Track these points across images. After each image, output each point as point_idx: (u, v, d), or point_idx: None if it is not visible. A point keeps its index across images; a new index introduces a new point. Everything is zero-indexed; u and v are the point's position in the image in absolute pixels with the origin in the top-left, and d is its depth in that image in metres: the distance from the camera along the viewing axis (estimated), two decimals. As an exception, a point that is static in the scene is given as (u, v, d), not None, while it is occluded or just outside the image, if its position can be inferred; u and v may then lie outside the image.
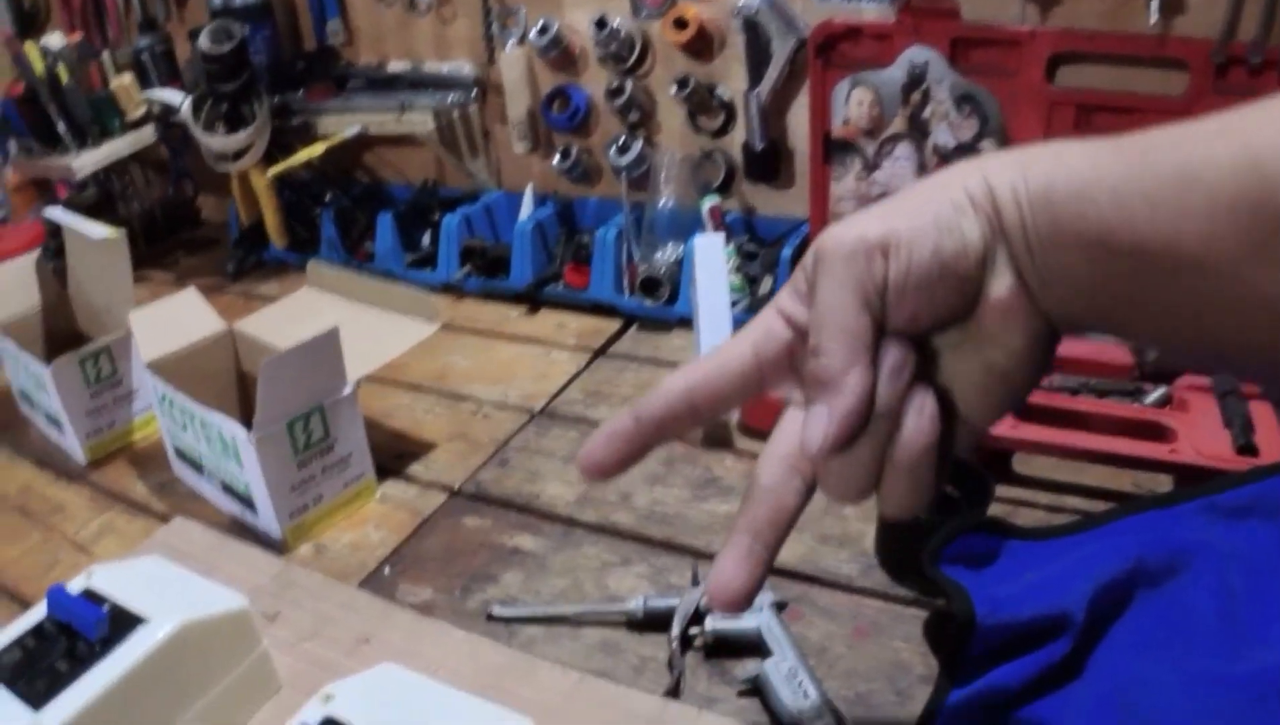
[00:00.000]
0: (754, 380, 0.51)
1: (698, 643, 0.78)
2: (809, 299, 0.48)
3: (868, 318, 0.45)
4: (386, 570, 0.92)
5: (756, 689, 0.73)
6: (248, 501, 0.95)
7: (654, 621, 0.80)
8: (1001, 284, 0.45)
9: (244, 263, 1.68)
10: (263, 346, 1.04)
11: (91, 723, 0.62)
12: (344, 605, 0.83)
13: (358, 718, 0.59)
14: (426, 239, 1.56)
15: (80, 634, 0.66)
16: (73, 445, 1.17)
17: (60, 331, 1.29)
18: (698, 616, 0.78)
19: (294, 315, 1.08)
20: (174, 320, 1.08)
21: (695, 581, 0.83)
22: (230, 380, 1.10)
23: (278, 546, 0.96)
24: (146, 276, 1.72)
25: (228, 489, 0.99)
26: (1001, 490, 0.84)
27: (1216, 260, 0.39)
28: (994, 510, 0.76)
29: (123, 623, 0.67)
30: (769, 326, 0.51)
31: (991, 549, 0.70)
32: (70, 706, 0.62)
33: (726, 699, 0.73)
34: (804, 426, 0.45)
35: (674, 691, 0.74)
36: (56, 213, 1.28)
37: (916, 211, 0.46)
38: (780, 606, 0.79)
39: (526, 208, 1.49)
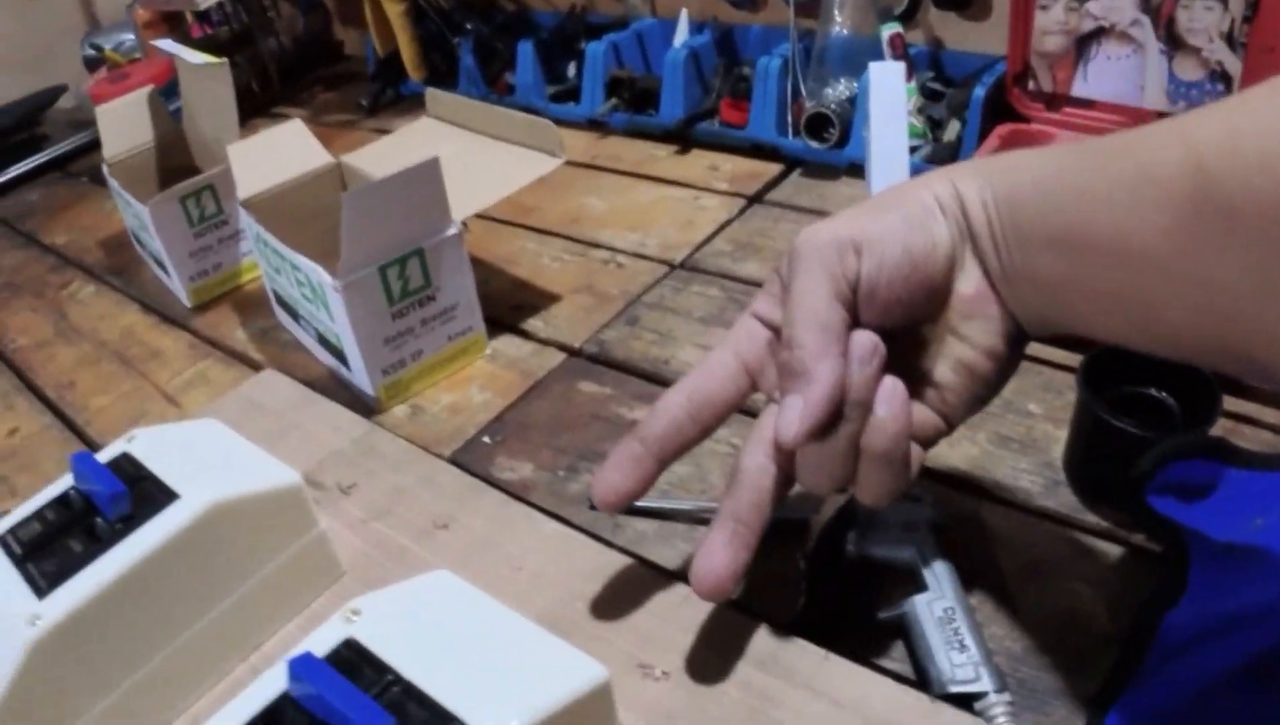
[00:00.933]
0: (743, 383, 0.54)
1: (831, 563, 0.64)
2: (784, 300, 0.50)
3: (839, 310, 0.48)
4: (486, 439, 0.81)
5: (900, 627, 0.59)
6: (341, 355, 0.86)
7: (787, 530, 0.66)
8: (970, 282, 0.49)
9: (379, 98, 1.59)
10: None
11: (101, 615, 0.54)
12: (426, 480, 0.73)
13: (383, 644, 0.48)
14: (571, 70, 1.43)
15: (100, 511, 0.57)
16: (177, 287, 1.11)
17: (178, 169, 1.22)
18: (839, 531, 0.64)
19: (409, 148, 0.97)
20: (276, 153, 0.98)
21: (841, 488, 0.69)
22: (337, 221, 1.00)
23: (371, 405, 0.86)
24: (283, 114, 1.65)
25: (322, 340, 0.89)
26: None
27: (1170, 254, 0.40)
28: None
29: (150, 499, 0.58)
30: (748, 330, 0.55)
31: (1210, 478, 0.57)
32: (76, 596, 0.53)
33: (858, 637, 0.60)
34: (778, 417, 0.48)
35: (801, 619, 0.60)
36: (165, 44, 1.20)
37: (887, 213, 0.49)
38: (940, 530, 0.64)
39: (681, 34, 1.34)
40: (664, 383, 0.85)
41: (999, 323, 0.50)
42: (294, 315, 0.95)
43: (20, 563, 0.55)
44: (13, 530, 0.58)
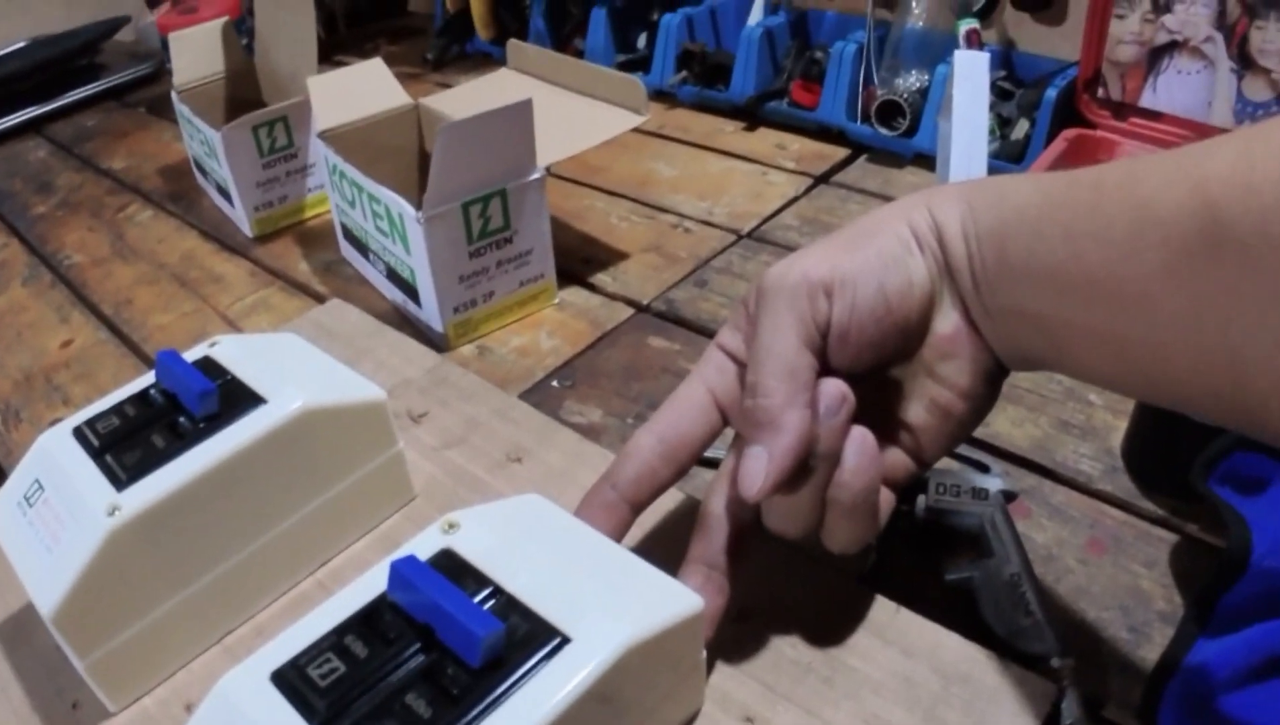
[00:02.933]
0: (715, 419, 0.52)
1: (904, 521, 0.64)
2: (750, 335, 0.48)
3: (808, 357, 0.45)
4: (555, 383, 0.81)
5: (966, 591, 0.59)
6: (412, 290, 0.85)
7: None
8: (947, 321, 0.47)
9: (445, 52, 1.57)
10: (449, 123, 0.93)
11: (180, 511, 0.53)
12: (500, 414, 0.72)
13: (481, 557, 0.47)
14: (642, 41, 1.41)
15: (185, 408, 0.56)
16: (240, 218, 1.10)
17: (244, 102, 1.21)
18: (910, 494, 0.63)
19: (488, 96, 0.96)
20: (356, 90, 0.97)
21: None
22: (410, 161, 0.99)
23: (439, 343, 0.86)
24: (343, 61, 1.62)
25: (393, 275, 0.88)
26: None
27: (1174, 296, 0.38)
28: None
29: (237, 400, 0.57)
30: (717, 363, 0.52)
31: (1267, 474, 0.56)
32: (157, 489, 0.52)
33: (926, 597, 0.60)
34: (739, 468, 0.45)
35: (869, 573, 0.61)
36: (245, -27, 1.19)
37: (861, 249, 0.47)
38: (1009, 497, 0.64)
39: (756, 14, 1.33)
40: (733, 345, 0.85)
41: (977, 361, 0.48)
42: (363, 250, 0.94)
43: (98, 454, 0.55)
44: (90, 423, 0.57)
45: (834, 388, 0.44)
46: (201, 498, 0.53)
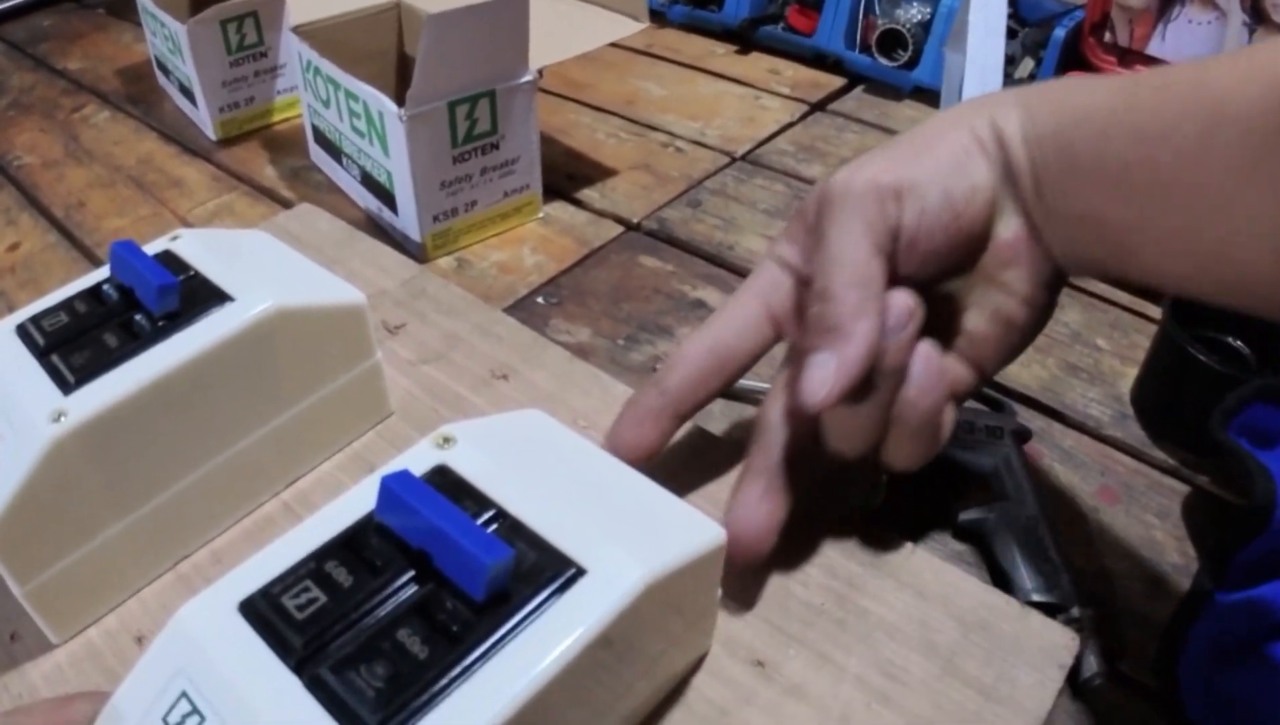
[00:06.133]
0: (768, 332, 0.50)
1: None
2: (809, 246, 0.47)
3: (880, 264, 0.44)
4: (540, 300, 0.76)
5: (979, 534, 0.57)
6: (388, 196, 0.79)
7: None
8: (1009, 228, 0.46)
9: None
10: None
11: (134, 419, 0.47)
12: (483, 329, 0.66)
13: (480, 477, 0.41)
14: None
15: (143, 305, 0.50)
16: (204, 120, 1.04)
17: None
18: None
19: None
20: (333, -17, 0.91)
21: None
22: (389, 64, 0.93)
23: (415, 254, 0.80)
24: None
25: (368, 180, 0.83)
26: None
27: (1247, 193, 0.37)
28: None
29: (200, 298, 0.51)
30: (771, 276, 0.50)
31: None
32: (109, 394, 0.46)
33: (939, 538, 0.58)
34: (804, 375, 0.42)
35: (877, 517, 0.58)
36: None
37: (926, 155, 0.45)
38: (1023, 437, 0.62)
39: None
40: (728, 267, 0.81)
41: (1038, 268, 0.46)
42: (336, 154, 0.88)
43: (42, 355, 0.48)
44: (35, 320, 0.51)
45: (903, 300, 0.43)
46: (158, 405, 0.47)
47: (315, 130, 0.92)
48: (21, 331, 0.50)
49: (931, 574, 0.50)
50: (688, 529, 0.41)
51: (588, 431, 0.57)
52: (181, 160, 1.03)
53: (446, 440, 0.43)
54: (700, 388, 0.50)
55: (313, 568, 0.37)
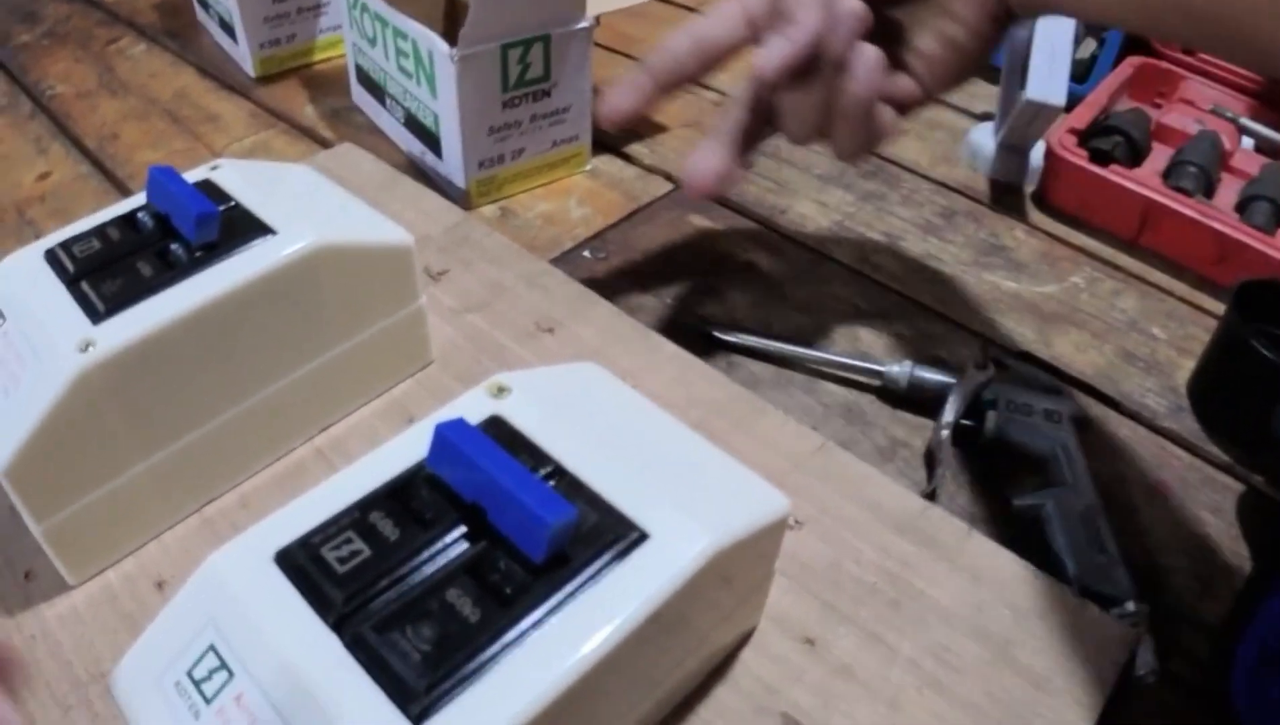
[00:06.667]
0: (744, 33, 0.53)
1: (965, 438, 0.60)
2: None
3: None
4: (587, 254, 0.73)
5: (1034, 521, 0.54)
6: (433, 139, 0.77)
7: (917, 398, 0.62)
8: None
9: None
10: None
11: (165, 352, 0.45)
12: (529, 280, 0.64)
13: (536, 430, 0.39)
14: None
15: (180, 234, 0.48)
16: (243, 55, 1.00)
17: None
18: (980, 409, 0.60)
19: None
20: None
21: (982, 364, 0.63)
22: (438, 4, 0.90)
23: (458, 201, 0.77)
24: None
25: (412, 122, 0.80)
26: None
27: None
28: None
29: (240, 230, 0.48)
30: None
31: None
32: (140, 324, 0.44)
33: (991, 521, 0.56)
34: (757, 52, 0.50)
35: (931, 494, 0.56)
36: None
37: None
38: (1081, 425, 0.60)
39: None
40: (780, 231, 0.78)
41: (984, 1, 0.52)
42: (379, 94, 0.85)
43: (72, 282, 0.46)
44: (65, 245, 0.48)
45: (849, 2, 0.49)
46: (191, 339, 0.45)
47: (359, 69, 0.89)
48: (51, 257, 0.48)
49: (987, 558, 0.49)
50: (752, 496, 0.39)
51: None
52: (218, 95, 1.00)
53: (501, 389, 0.40)
54: (679, 68, 0.54)
55: (356, 518, 0.35)
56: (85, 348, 0.42)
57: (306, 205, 0.51)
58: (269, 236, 0.48)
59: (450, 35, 0.69)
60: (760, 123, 0.56)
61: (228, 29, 1.02)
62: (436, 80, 0.72)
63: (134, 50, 1.12)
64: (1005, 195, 0.84)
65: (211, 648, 0.32)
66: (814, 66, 0.50)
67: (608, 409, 0.42)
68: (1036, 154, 0.84)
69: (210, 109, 0.97)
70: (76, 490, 0.45)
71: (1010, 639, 0.45)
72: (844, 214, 0.80)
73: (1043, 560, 0.51)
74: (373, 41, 0.81)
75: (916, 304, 0.71)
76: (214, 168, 0.53)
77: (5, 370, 0.44)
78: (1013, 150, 0.84)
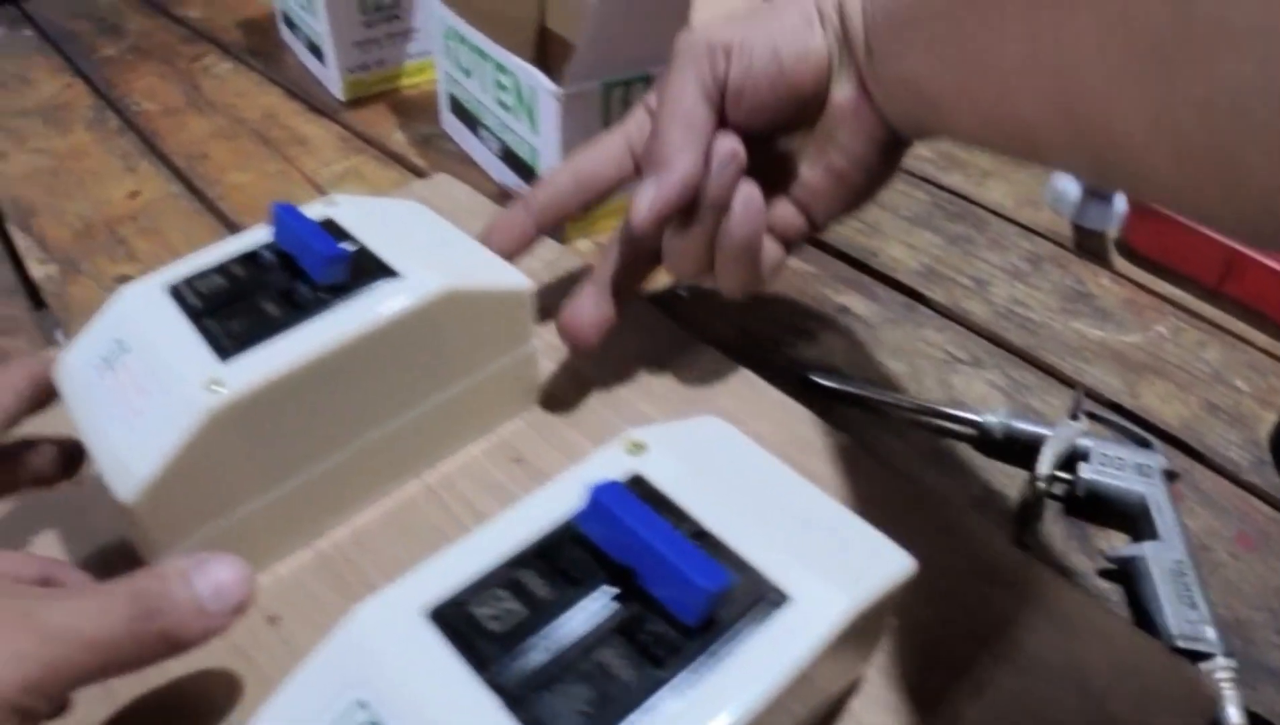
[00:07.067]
0: (627, 165, 0.56)
1: (1057, 490, 0.60)
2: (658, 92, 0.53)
3: (704, 109, 0.50)
4: (682, 292, 0.73)
5: (1125, 574, 0.55)
6: (530, 173, 0.77)
7: (1011, 447, 0.62)
8: (844, 90, 0.51)
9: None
10: (582, -3, 0.84)
11: (292, 392, 0.45)
12: (630, 319, 0.63)
13: (672, 485, 0.39)
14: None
15: (307, 274, 0.48)
16: (331, 78, 1.02)
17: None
18: (1072, 459, 0.60)
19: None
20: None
21: (1074, 415, 0.63)
22: (529, 36, 0.90)
23: (553, 235, 0.76)
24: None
25: (508, 154, 0.80)
26: None
27: (1018, 40, 0.39)
28: None
29: (365, 272, 0.49)
30: (638, 118, 0.57)
31: None
32: (270, 364, 0.44)
33: (1083, 573, 0.56)
34: (633, 197, 0.50)
35: (1023, 543, 0.56)
36: None
37: (764, 19, 0.51)
38: (1172, 477, 0.60)
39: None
40: (871, 272, 0.79)
41: (872, 130, 0.52)
42: (472, 124, 0.86)
43: (198, 318, 0.47)
44: (189, 281, 0.49)
45: (726, 144, 0.49)
46: (317, 380, 0.45)
47: (452, 98, 0.89)
48: (175, 292, 0.48)
49: (1083, 610, 0.49)
50: (881, 556, 0.39)
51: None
52: (306, 118, 1.01)
53: (637, 446, 0.40)
54: (560, 205, 0.57)
55: (508, 575, 0.35)
56: (214, 386, 0.42)
57: (426, 247, 0.52)
58: (394, 280, 0.48)
59: (540, 63, 0.70)
60: (643, 262, 0.57)
61: (315, 51, 1.03)
62: (538, 116, 0.72)
63: (219, 68, 1.14)
64: (1089, 240, 0.84)
65: (362, 704, 0.32)
66: (693, 207, 0.50)
67: (737, 466, 0.42)
68: (1120, 199, 0.84)
69: (299, 131, 0.98)
70: (195, 524, 0.45)
71: (1108, 693, 0.45)
72: (933, 257, 0.80)
73: (1135, 613, 0.52)
74: (469, 73, 0.82)
75: (1007, 351, 0.71)
76: (332, 204, 0.54)
77: (130, 401, 0.44)
78: (1096, 195, 0.84)
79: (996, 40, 0.41)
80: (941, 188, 0.91)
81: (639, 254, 0.57)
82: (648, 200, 0.49)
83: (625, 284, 0.57)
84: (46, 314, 0.75)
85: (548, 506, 0.37)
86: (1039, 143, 0.42)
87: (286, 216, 0.49)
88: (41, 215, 0.88)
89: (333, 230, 0.51)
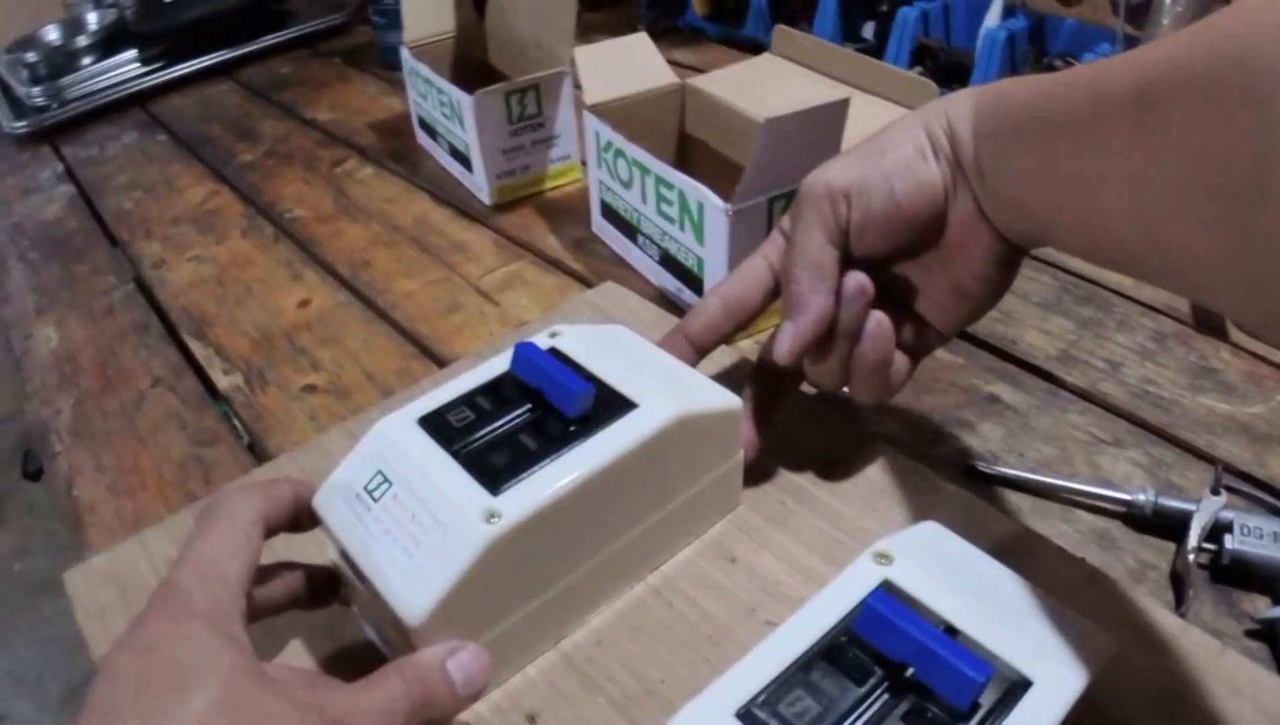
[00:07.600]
0: (771, 286, 0.62)
1: (1204, 559, 0.65)
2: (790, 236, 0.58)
3: (830, 251, 0.56)
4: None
5: (1271, 634, 0.59)
6: (694, 280, 0.83)
7: (1160, 522, 0.66)
8: (961, 211, 0.54)
9: (655, 24, 1.54)
10: (721, 107, 0.90)
11: (554, 519, 0.51)
12: (806, 419, 0.70)
13: (919, 589, 0.47)
14: (868, 31, 1.37)
15: (553, 407, 0.55)
16: (479, 184, 1.08)
17: (467, 61, 1.20)
18: (1219, 530, 0.64)
19: (757, 81, 0.93)
20: (622, 64, 0.95)
21: (1215, 490, 0.67)
22: (670, 141, 0.97)
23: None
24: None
25: (668, 261, 0.86)
26: None
27: (1118, 168, 0.42)
28: None
29: (606, 403, 0.55)
30: (777, 242, 0.62)
31: None
32: (536, 496, 0.50)
33: (1232, 635, 0.59)
34: (772, 338, 0.58)
35: (1183, 614, 0.60)
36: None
37: (878, 158, 0.55)
38: None
39: (994, 15, 1.28)
40: (1014, 360, 0.83)
41: (990, 247, 0.55)
42: (629, 231, 0.92)
43: (457, 451, 0.53)
44: (439, 414, 0.56)
45: (854, 281, 0.55)
46: (575, 506, 0.52)
47: (605, 205, 0.95)
48: (426, 425, 0.55)
49: (1242, 672, 0.53)
50: (1092, 638, 0.46)
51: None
52: (459, 223, 1.07)
53: (883, 556, 0.47)
54: (714, 330, 0.62)
55: (802, 677, 0.42)
56: (490, 518, 0.48)
57: (649, 375, 0.58)
58: (632, 410, 0.54)
59: (680, 163, 0.75)
60: (786, 383, 0.64)
61: (460, 157, 1.10)
62: (705, 229, 0.78)
63: (361, 173, 1.20)
64: (1206, 314, 0.88)
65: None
66: (829, 337, 0.56)
67: (959, 565, 0.49)
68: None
69: (455, 237, 1.04)
70: (467, 637, 0.50)
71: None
72: (1067, 342, 0.85)
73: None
74: (627, 184, 0.87)
75: (1145, 429, 0.75)
76: (555, 336, 0.60)
77: (403, 531, 0.50)
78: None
79: (1095, 179, 0.44)
80: (1066, 271, 0.95)
81: (782, 379, 0.63)
82: (788, 339, 0.56)
83: (769, 412, 0.64)
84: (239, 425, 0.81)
85: (822, 613, 0.45)
86: (1136, 263, 0.45)
87: (530, 354, 0.56)
88: (215, 325, 0.94)
89: (563, 361, 0.57)
